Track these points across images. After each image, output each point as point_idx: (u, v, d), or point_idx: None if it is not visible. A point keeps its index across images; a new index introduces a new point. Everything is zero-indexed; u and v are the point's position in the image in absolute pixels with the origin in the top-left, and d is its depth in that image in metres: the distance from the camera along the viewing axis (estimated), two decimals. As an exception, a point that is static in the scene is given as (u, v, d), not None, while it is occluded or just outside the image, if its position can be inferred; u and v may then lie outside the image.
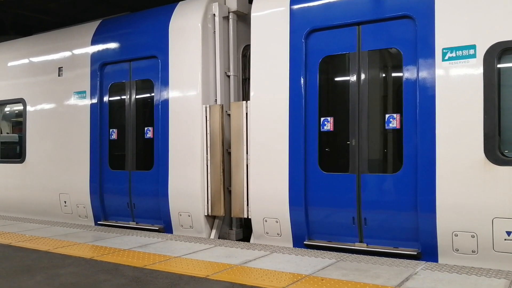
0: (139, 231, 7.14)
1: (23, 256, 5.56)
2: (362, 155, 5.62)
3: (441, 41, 5.13)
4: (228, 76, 7.15)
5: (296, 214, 5.98)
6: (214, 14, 6.95)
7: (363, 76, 5.66)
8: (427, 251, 5.23)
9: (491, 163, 4.82)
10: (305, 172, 5.93)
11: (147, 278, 4.53)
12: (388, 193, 5.47)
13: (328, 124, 5.86)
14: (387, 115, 5.49)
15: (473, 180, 4.90)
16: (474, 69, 4.94)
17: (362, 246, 5.63)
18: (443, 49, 5.11)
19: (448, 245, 5.08)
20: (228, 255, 5.37)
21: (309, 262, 4.99)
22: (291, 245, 6.07)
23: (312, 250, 5.63)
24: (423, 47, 5.22)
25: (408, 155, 5.32)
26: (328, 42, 5.88)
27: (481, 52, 4.91)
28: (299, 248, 5.63)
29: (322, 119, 5.89)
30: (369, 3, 5.59)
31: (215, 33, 6.96)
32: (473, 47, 4.96)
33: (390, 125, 5.46)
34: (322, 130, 5.89)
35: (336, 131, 5.84)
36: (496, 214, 4.80)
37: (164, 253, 5.57)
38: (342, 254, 5.30)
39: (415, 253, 5.27)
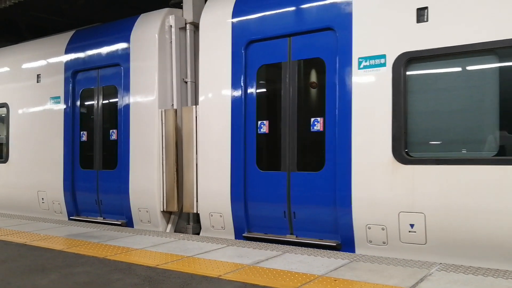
0: (107, 225, 7.75)
1: (38, 255, 5.61)
2: (291, 154, 6.16)
3: (357, 51, 5.64)
4: (186, 82, 7.74)
5: (237, 209, 6.54)
6: (171, 26, 7.55)
7: (293, 83, 6.20)
8: (346, 243, 5.75)
9: (397, 162, 5.32)
10: (245, 170, 6.48)
11: (159, 278, 4.53)
12: (312, 190, 5.99)
13: (264, 127, 6.41)
14: (312, 119, 6.01)
15: (383, 178, 5.40)
16: (384, 77, 5.44)
17: (292, 238, 6.17)
18: (359, 58, 5.63)
19: (363, 237, 5.59)
20: (240, 255, 5.38)
21: (322, 263, 4.98)
22: (233, 237, 6.64)
23: (322, 250, 5.70)
24: (342, 56, 5.73)
25: (329, 155, 5.84)
26: (264, 52, 6.44)
27: (390, 61, 5.42)
28: (311, 249, 5.66)
29: (259, 122, 6.44)
30: (298, 16, 6.13)
31: (172, 42, 7.56)
32: (384, 56, 5.46)
33: (315, 127, 5.99)
34: (259, 132, 6.44)
35: (271, 133, 6.38)
36: (402, 209, 5.30)
37: (177, 252, 5.57)
38: (355, 254, 5.31)
39: (335, 244, 5.79)
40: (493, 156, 4.88)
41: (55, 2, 9.70)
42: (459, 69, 5.22)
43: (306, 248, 5.70)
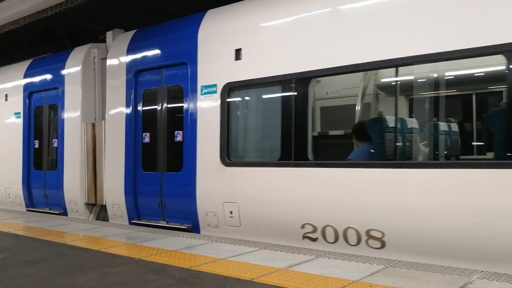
0: (52, 215, 9.83)
1: (76, 255, 5.78)
2: (162, 159, 8.02)
3: (200, 81, 7.43)
4: (108, 101, 9.71)
5: (129, 201, 8.45)
6: (94, 57, 9.56)
7: (164, 104, 8.06)
8: (195, 226, 7.54)
9: (222, 165, 7.07)
10: (134, 171, 8.38)
11: (193, 279, 4.58)
12: (175, 186, 7.82)
13: (147, 138, 8.30)
14: (176, 132, 7.85)
15: (214, 177, 7.17)
16: (215, 101, 7.21)
17: (163, 223, 8.02)
18: (201, 86, 7.42)
19: (205, 222, 7.38)
20: (272, 259, 5.39)
21: (357, 268, 4.88)
22: (127, 223, 8.55)
23: (358, 254, 5.67)
24: (192, 85, 7.54)
25: (185, 159, 7.65)
26: (147, 80, 8.33)
27: (219, 89, 7.17)
28: (345, 253, 5.59)
29: (144, 134, 8.33)
30: (167, 53, 7.99)
31: (95, 70, 9.57)
32: (215, 85, 7.23)
33: (177, 138, 7.82)
34: (143, 142, 8.33)
35: (151, 142, 8.26)
36: (225, 200, 7.04)
37: (210, 255, 5.65)
38: (391, 260, 5.23)
39: (187, 227, 7.59)
40: (278, 160, 6.57)
41: (93, 10, 10.28)
42: (262, 95, 6.94)
43: (341, 253, 5.58)
